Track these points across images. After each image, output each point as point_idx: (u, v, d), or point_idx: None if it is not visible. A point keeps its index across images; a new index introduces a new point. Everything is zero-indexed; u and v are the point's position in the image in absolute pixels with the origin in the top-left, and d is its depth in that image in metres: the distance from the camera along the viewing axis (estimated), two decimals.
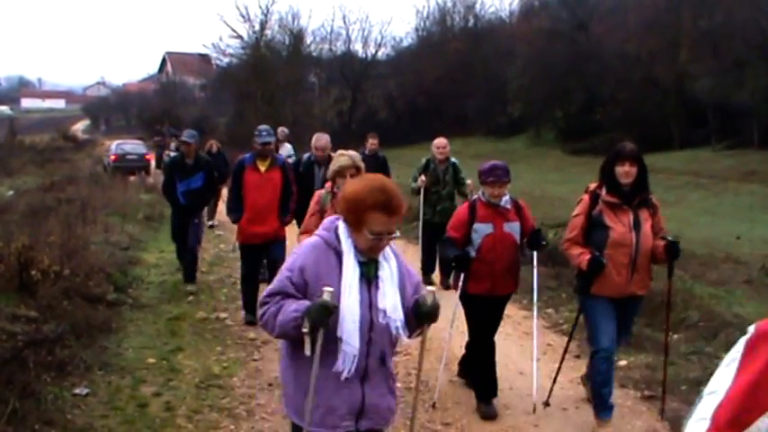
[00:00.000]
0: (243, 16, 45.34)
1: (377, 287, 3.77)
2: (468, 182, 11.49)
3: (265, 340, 8.73)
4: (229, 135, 43.13)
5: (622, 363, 8.00)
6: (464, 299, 6.96)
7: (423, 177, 11.52)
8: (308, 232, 6.20)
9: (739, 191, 28.16)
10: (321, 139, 10.47)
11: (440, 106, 53.90)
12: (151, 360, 7.72)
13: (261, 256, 9.88)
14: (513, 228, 6.84)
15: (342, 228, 3.78)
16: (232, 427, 6.37)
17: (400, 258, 3.97)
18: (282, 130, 16.76)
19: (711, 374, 2.07)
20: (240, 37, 45.03)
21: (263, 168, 9.51)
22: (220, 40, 51.79)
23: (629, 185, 6.21)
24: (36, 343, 7.30)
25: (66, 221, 12.76)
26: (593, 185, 6.45)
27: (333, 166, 6.75)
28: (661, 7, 42.40)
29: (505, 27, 59.01)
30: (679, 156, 36.66)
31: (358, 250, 3.75)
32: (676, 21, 41.15)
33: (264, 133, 9.68)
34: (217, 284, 11.96)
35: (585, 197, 6.42)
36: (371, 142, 13.70)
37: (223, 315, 9.93)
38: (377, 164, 12.64)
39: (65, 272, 9.25)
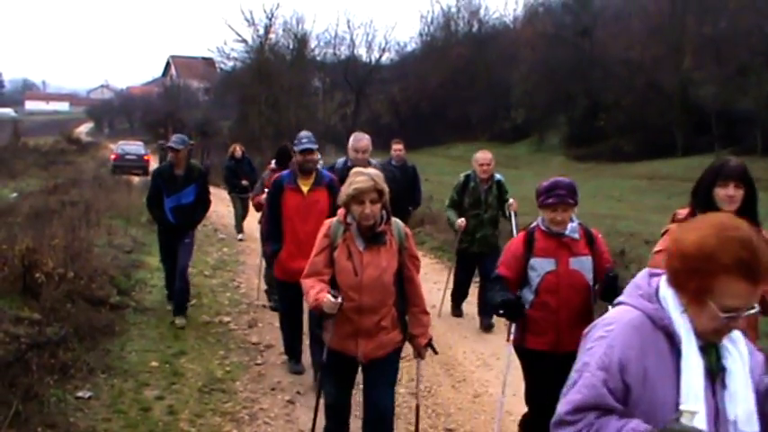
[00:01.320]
0: (248, 20, 45.25)
1: (723, 386, 2.57)
2: (511, 201, 9.77)
3: (268, 344, 8.76)
4: (233, 138, 43.11)
5: None
6: (521, 355, 5.74)
7: (462, 221, 9.78)
8: (315, 276, 5.13)
9: None
10: (362, 140, 8.60)
11: (443, 111, 53.93)
12: (154, 363, 7.72)
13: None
14: (582, 264, 5.50)
15: (670, 296, 2.58)
16: (235, 431, 6.37)
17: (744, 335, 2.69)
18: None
19: None
20: (245, 41, 45.03)
21: (305, 189, 7.56)
22: (225, 44, 51.92)
23: (734, 213, 4.33)
24: (39, 345, 7.30)
25: (70, 224, 12.71)
26: (682, 212, 4.76)
27: (346, 189, 5.08)
28: (665, 14, 42.42)
29: (509, 32, 58.98)
30: (682, 162, 36.61)
31: (696, 331, 2.54)
32: (680, 27, 41.15)
33: (305, 140, 7.56)
34: (220, 288, 11.98)
35: (673, 228, 4.39)
36: (397, 149, 11.64)
37: (226, 319, 9.94)
38: (405, 177, 11.30)
39: (68, 275, 9.25)
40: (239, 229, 18.18)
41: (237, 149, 17.74)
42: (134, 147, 44.14)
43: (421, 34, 64.16)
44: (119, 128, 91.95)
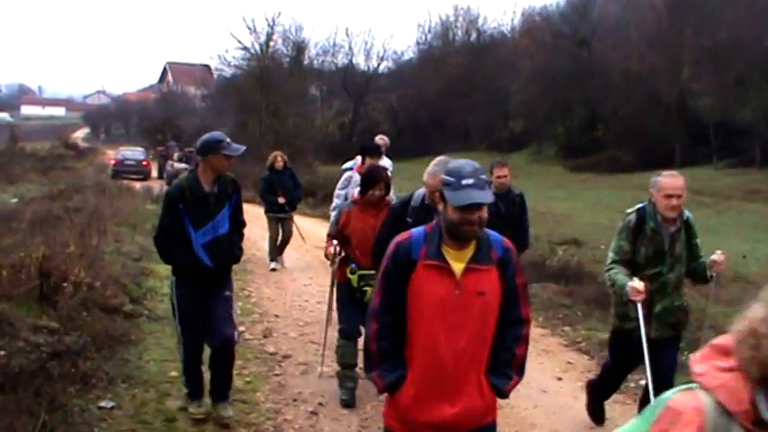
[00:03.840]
0: (249, 28, 45.23)
1: None
2: (717, 254, 6.24)
3: (286, 355, 8.76)
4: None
5: (643, 382, 8.01)
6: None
7: (638, 284, 5.86)
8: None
9: (742, 210, 28.23)
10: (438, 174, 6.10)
11: (441, 120, 54.03)
12: (173, 373, 7.70)
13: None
14: None
15: None
16: None
17: None
18: (382, 137, 12.56)
19: None
20: (246, 48, 45.05)
21: (458, 268, 4.47)
22: (226, 51, 51.96)
23: None
24: (59, 355, 7.30)
25: (81, 231, 12.69)
26: None
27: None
28: (663, 24, 42.61)
29: (507, 41, 59.14)
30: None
31: None
32: (679, 38, 41.28)
33: (472, 180, 3.05)
34: None
35: None
36: (501, 175, 8.82)
37: (240, 329, 9.91)
38: (511, 207, 8.76)
39: (84, 283, 9.24)
40: (273, 255, 15.18)
41: (279, 159, 15.08)
42: (133, 152, 44.75)
43: (418, 43, 64.32)
44: (115, 133, 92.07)
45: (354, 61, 60.43)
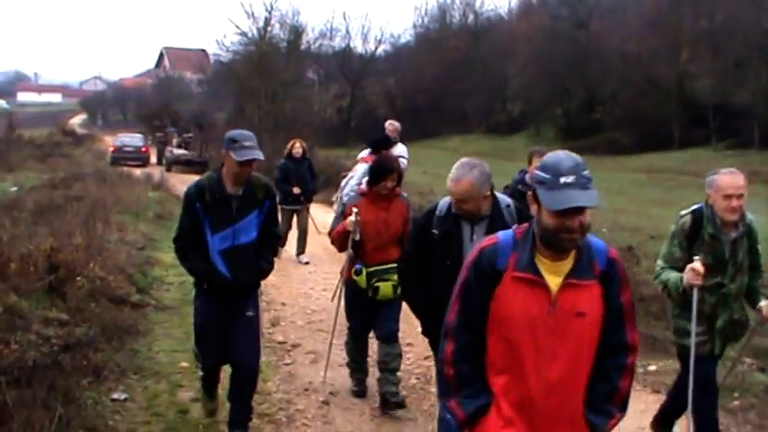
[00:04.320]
0: (247, 13, 45.17)
1: None
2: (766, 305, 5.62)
3: (295, 344, 8.79)
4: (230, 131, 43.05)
5: (652, 368, 8.06)
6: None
7: (697, 264, 5.27)
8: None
9: None
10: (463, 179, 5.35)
11: (439, 104, 53.97)
12: (184, 364, 7.73)
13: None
14: None
15: None
16: None
17: None
18: (392, 123, 12.31)
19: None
20: (244, 34, 44.91)
21: (554, 283, 3.81)
22: (224, 37, 51.92)
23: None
24: (70, 347, 7.34)
25: (85, 221, 12.70)
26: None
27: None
28: (661, 7, 42.56)
29: (505, 25, 59.09)
30: (679, 156, 36.77)
31: None
32: (677, 20, 41.29)
33: (571, 176, 3.63)
34: None
35: None
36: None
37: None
38: None
39: (92, 274, 9.28)
40: (301, 248, 14.41)
41: (297, 146, 14.05)
42: (131, 138, 44.80)
43: (415, 26, 64.25)
44: (112, 119, 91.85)
45: (352, 45, 60.46)
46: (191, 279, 11.55)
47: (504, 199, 5.28)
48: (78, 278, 8.93)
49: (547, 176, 3.17)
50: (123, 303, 9.55)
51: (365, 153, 12.13)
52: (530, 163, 7.96)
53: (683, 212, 5.63)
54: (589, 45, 46.83)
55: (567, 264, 3.29)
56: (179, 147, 40.84)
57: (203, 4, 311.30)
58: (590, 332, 3.31)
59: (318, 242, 14.33)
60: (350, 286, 7.12)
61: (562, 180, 3.12)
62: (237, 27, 45.66)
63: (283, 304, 10.86)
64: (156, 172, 31.28)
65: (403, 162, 10.42)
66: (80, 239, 10.42)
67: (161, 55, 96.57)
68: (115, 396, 6.77)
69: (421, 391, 7.45)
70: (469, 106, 53.11)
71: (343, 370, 7.67)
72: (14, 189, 23.98)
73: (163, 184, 24.92)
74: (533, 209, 3.28)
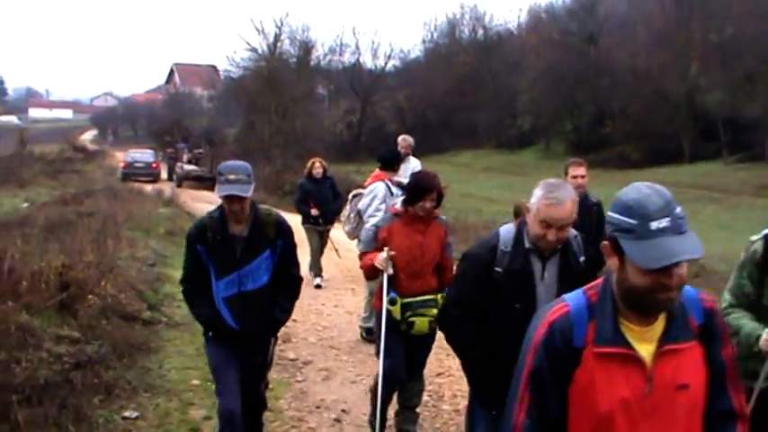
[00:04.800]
0: (257, 29, 45.42)
1: None
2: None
3: (306, 361, 8.76)
4: (241, 147, 43.22)
5: None
6: None
7: None
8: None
9: (754, 205, 28.15)
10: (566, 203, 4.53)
11: (449, 119, 54.02)
12: (195, 382, 7.71)
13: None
14: None
15: None
16: None
17: None
18: (405, 138, 11.79)
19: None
20: (254, 50, 45.15)
21: (647, 352, 3.04)
22: (235, 53, 51.90)
23: None
24: (82, 365, 7.32)
25: (96, 238, 12.68)
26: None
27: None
28: (671, 20, 42.54)
29: (514, 39, 59.12)
30: (690, 169, 36.71)
31: None
32: (686, 34, 41.26)
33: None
34: None
35: None
36: (578, 174, 7.69)
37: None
38: (586, 218, 7.07)
39: (103, 291, 9.27)
40: (317, 270, 13.64)
41: (317, 165, 13.39)
42: (143, 155, 44.97)
43: (424, 41, 64.36)
44: (123, 135, 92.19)
45: (361, 60, 60.53)
46: None
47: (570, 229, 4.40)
48: (90, 296, 8.91)
49: (632, 222, 2.46)
50: (134, 320, 9.52)
51: None
52: (566, 175, 7.55)
53: (754, 237, 4.61)
54: (599, 59, 46.85)
55: (659, 326, 2.60)
56: (189, 162, 40.97)
57: (213, 20, 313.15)
58: (696, 405, 2.62)
59: (329, 257, 14.34)
60: (382, 317, 6.18)
61: (653, 226, 2.44)
62: (248, 43, 45.94)
63: (294, 320, 10.79)
64: (167, 188, 31.30)
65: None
66: (91, 256, 10.39)
67: (171, 71, 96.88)
68: (126, 414, 6.74)
69: (433, 408, 7.40)
70: (480, 121, 53.10)
71: (355, 386, 7.66)
72: (26, 205, 24.07)
73: (174, 200, 24.92)
74: (612, 262, 2.58)
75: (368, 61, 60.90)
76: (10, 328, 7.21)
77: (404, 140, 11.83)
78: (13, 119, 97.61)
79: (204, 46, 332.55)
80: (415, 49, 64.19)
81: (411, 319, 6.03)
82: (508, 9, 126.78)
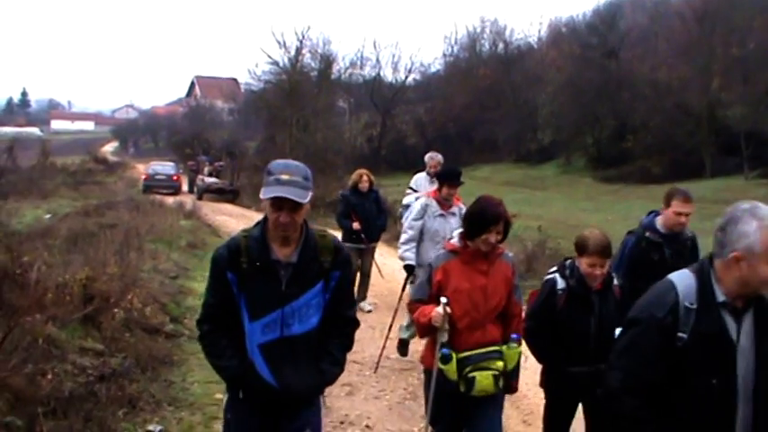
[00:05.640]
0: (279, 42, 45.58)
1: None
2: None
3: None
4: (261, 160, 43.34)
5: None
6: None
7: None
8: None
9: None
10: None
11: (470, 132, 53.95)
12: (219, 396, 7.68)
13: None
14: None
15: None
16: None
17: None
18: (433, 156, 11.64)
19: None
20: (276, 63, 45.33)
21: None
22: (256, 66, 51.86)
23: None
24: (106, 377, 7.35)
25: (119, 250, 12.73)
26: None
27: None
28: (692, 34, 42.31)
29: (535, 53, 58.99)
30: (711, 184, 36.47)
31: None
32: (708, 48, 41.02)
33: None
34: None
35: None
36: (683, 212, 6.57)
37: None
38: (680, 253, 6.55)
39: (128, 304, 9.31)
40: (363, 294, 12.56)
41: (365, 179, 12.40)
42: (163, 167, 45.27)
43: (445, 55, 64.33)
44: (144, 147, 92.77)
45: (382, 74, 60.58)
46: None
47: None
48: (117, 310, 8.95)
49: None
50: (157, 333, 9.56)
51: (420, 179, 11.86)
52: (667, 205, 6.57)
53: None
54: (620, 73, 46.64)
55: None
56: (210, 175, 41.13)
57: (234, 34, 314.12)
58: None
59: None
60: (431, 377, 5.19)
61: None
62: (269, 56, 46.09)
63: None
64: (188, 200, 31.44)
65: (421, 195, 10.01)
66: (115, 269, 10.42)
67: (192, 84, 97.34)
68: (150, 428, 6.76)
69: None
70: (500, 135, 52.99)
71: (378, 402, 7.66)
72: (48, 216, 24.21)
73: (195, 213, 24.99)
74: None
75: (388, 75, 60.99)
76: (36, 340, 7.24)
77: (431, 158, 11.66)
78: (35, 130, 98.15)
79: (225, 59, 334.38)
80: (436, 63, 64.05)
81: (471, 374, 4.98)
82: (528, 23, 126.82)
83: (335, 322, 4.23)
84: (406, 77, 60.94)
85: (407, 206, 11.42)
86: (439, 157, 11.66)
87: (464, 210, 8.61)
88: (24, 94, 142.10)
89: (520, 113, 52.73)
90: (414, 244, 9.08)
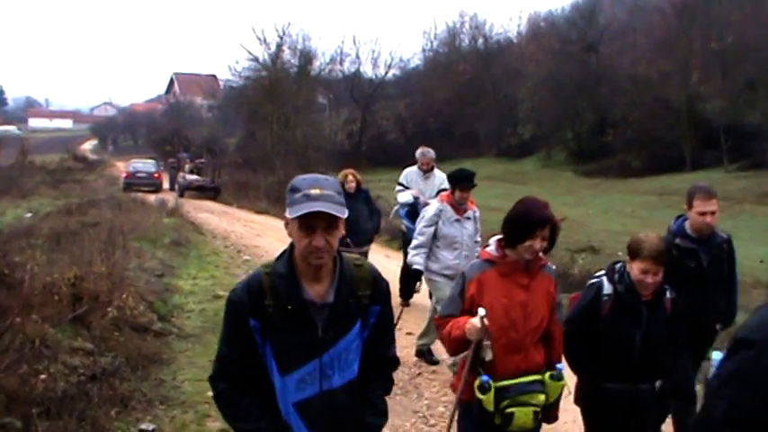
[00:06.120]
0: (259, 39, 45.46)
1: None
2: None
3: None
4: (242, 156, 43.33)
5: None
6: None
7: None
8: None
9: (756, 213, 28.12)
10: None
11: (450, 127, 54.01)
12: (210, 394, 7.68)
13: None
14: None
15: None
16: None
17: None
18: (425, 152, 11.43)
19: None
20: (256, 59, 45.22)
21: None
22: (237, 63, 51.80)
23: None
24: (97, 377, 7.34)
25: (104, 249, 12.69)
26: None
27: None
28: (671, 29, 42.54)
29: (514, 48, 59.08)
30: (691, 177, 36.63)
31: None
32: (687, 42, 41.25)
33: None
34: None
35: None
36: (707, 210, 5.82)
37: None
38: (717, 259, 6.04)
39: (120, 302, 9.30)
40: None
41: (350, 178, 11.29)
42: (145, 165, 45.08)
43: (424, 50, 64.34)
44: (123, 145, 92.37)
45: (362, 69, 60.54)
46: (212, 306, 11.65)
47: None
48: (109, 308, 8.93)
49: None
50: (146, 332, 9.54)
51: (411, 173, 11.65)
52: (689, 206, 5.88)
53: None
54: (599, 67, 46.86)
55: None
56: (191, 172, 40.99)
57: (212, 30, 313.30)
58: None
59: None
60: (468, 413, 4.55)
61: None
62: (250, 53, 45.99)
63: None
64: (170, 198, 31.34)
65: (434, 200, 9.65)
66: (103, 268, 10.39)
67: (171, 80, 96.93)
68: (143, 427, 6.75)
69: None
70: (480, 130, 53.11)
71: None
72: (29, 215, 24.06)
73: (177, 210, 24.92)
74: None
75: (368, 70, 60.97)
76: (28, 341, 7.22)
77: (423, 155, 11.45)
78: (12, 129, 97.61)
79: (204, 56, 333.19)
80: (415, 58, 64.06)
81: (509, 410, 4.37)
82: (508, 17, 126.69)
83: (375, 364, 3.54)
84: (386, 73, 60.97)
85: (405, 204, 11.43)
86: (431, 153, 11.49)
87: (478, 213, 8.88)
88: (1, 92, 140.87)
89: (500, 108, 52.89)
90: (424, 250, 8.66)
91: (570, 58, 47.65)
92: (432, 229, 8.57)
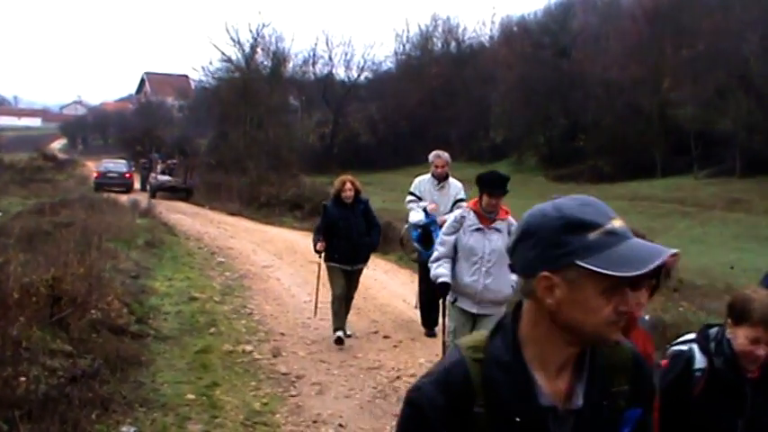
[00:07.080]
0: (233, 39, 45.24)
1: None
2: None
3: (299, 375, 8.75)
4: (214, 158, 43.12)
5: None
6: None
7: None
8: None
9: (726, 219, 28.43)
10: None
11: (422, 131, 54.03)
12: (190, 396, 7.70)
13: None
14: None
15: None
16: None
17: None
18: (438, 155, 10.47)
19: None
20: (229, 60, 45.02)
21: None
22: (210, 63, 51.65)
23: None
24: (76, 379, 7.30)
25: (80, 250, 12.60)
26: None
27: None
28: (643, 35, 42.89)
29: (487, 52, 59.22)
30: (662, 183, 37.00)
31: None
32: (659, 49, 41.62)
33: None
34: (233, 315, 11.87)
35: None
36: None
37: (248, 348, 9.87)
38: None
39: (103, 304, 9.26)
40: (338, 322, 10.28)
41: (348, 186, 10.20)
42: (116, 165, 44.89)
43: (396, 53, 64.33)
44: (93, 144, 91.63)
45: (334, 72, 60.50)
46: (188, 308, 11.63)
47: None
48: (93, 310, 8.90)
49: None
50: (123, 333, 9.47)
51: (424, 182, 10.74)
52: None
53: None
54: (571, 73, 47.06)
55: None
56: (163, 173, 40.81)
57: (184, 29, 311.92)
58: None
59: (312, 270, 13.76)
60: None
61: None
62: (223, 54, 45.73)
63: (282, 334, 10.82)
64: (142, 198, 31.22)
65: (462, 206, 8.55)
66: (81, 269, 10.31)
67: (142, 80, 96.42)
68: (124, 429, 6.72)
69: None
70: (452, 133, 53.17)
71: (349, 401, 7.69)
72: None
73: (150, 211, 24.81)
74: None
75: (341, 73, 60.92)
76: (8, 342, 7.17)
77: (437, 157, 10.36)
78: None
79: (175, 55, 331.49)
80: (388, 61, 64.01)
81: None
82: (480, 21, 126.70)
83: None
84: (359, 75, 60.97)
85: (415, 225, 10.35)
86: (446, 155, 10.47)
87: (514, 225, 7.93)
88: None
89: (472, 112, 52.98)
90: (447, 260, 7.52)
91: (542, 62, 47.86)
92: (452, 237, 7.51)
